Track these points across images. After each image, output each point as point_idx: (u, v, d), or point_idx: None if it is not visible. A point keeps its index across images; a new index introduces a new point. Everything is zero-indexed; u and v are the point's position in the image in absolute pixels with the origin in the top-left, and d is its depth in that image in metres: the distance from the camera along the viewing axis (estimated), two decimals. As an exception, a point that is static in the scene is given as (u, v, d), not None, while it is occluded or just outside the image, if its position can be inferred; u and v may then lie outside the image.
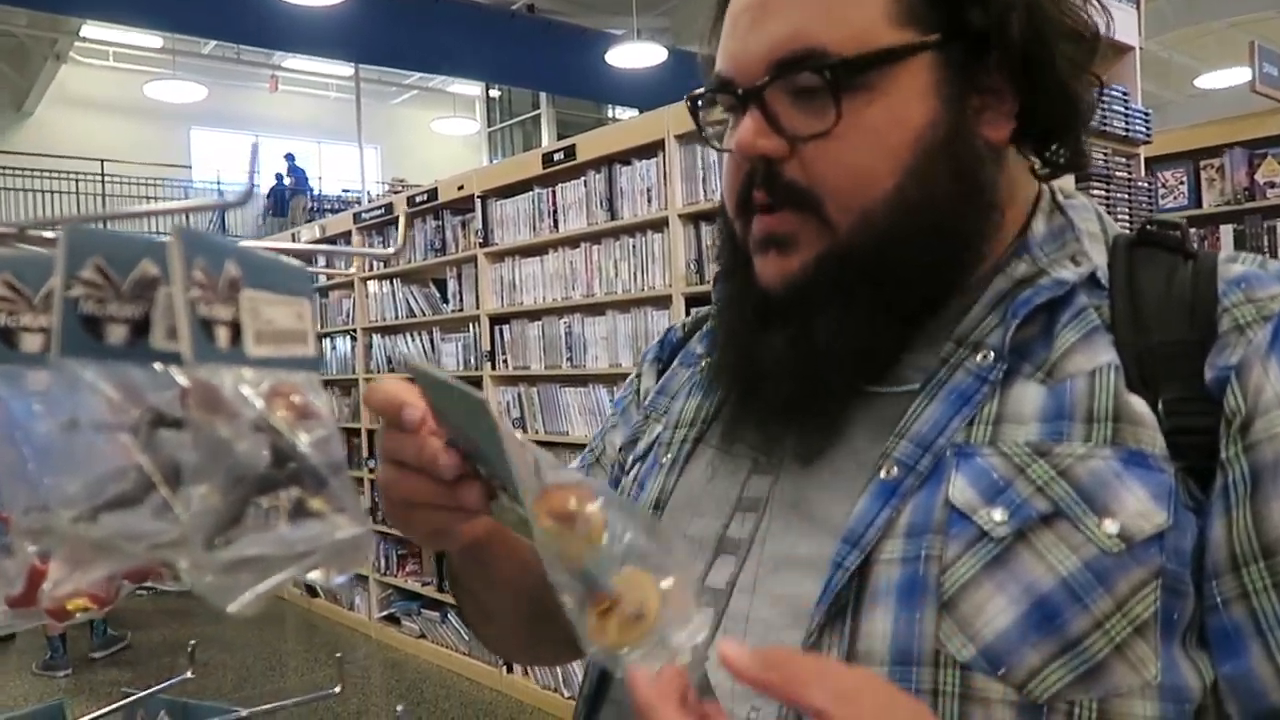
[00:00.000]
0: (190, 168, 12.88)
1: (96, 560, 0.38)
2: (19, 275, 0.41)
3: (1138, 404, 0.53)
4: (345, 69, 12.19)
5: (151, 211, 0.45)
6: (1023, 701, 0.50)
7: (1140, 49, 2.73)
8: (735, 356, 0.66)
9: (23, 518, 0.39)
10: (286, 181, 12.28)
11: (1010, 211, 0.64)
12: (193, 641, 0.74)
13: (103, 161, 11.60)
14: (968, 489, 0.53)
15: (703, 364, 0.74)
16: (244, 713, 0.61)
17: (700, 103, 0.67)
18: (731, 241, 0.66)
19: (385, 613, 5.17)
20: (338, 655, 0.53)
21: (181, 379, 0.40)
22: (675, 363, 0.81)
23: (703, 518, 0.65)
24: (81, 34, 10.90)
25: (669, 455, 0.71)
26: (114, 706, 0.60)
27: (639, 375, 0.87)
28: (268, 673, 4.57)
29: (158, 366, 0.40)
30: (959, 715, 0.50)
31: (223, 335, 0.40)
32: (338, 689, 0.61)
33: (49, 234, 0.42)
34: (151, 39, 11.11)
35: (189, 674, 0.67)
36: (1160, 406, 0.53)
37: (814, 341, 0.60)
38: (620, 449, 0.81)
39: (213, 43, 11.43)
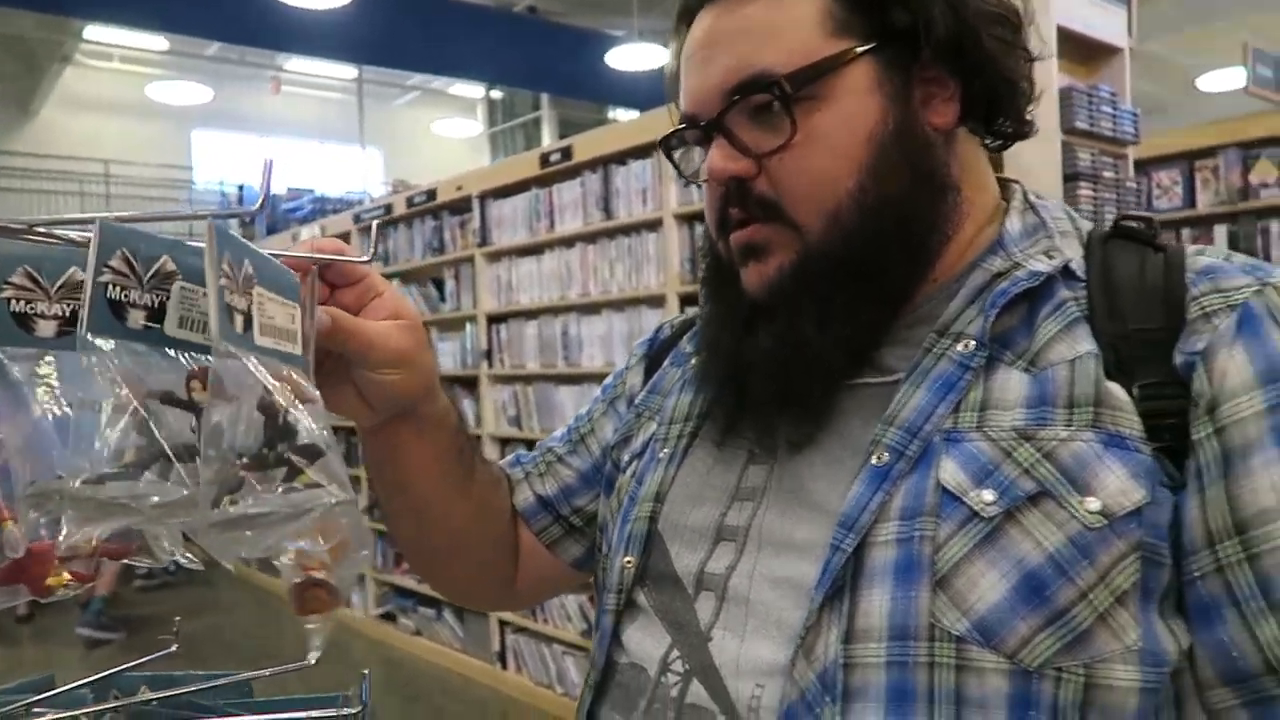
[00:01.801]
0: (191, 169, 12.93)
1: (103, 519, 0.41)
2: (36, 268, 0.45)
3: (1116, 389, 0.57)
4: (348, 70, 12.23)
5: (169, 217, 0.52)
6: (1014, 669, 0.53)
7: (1130, 50, 2.75)
8: (724, 363, 0.70)
9: (28, 488, 0.42)
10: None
11: (979, 197, 0.69)
12: (177, 617, 0.76)
13: (107, 163, 11.66)
14: (958, 472, 0.57)
15: (693, 362, 0.78)
16: (222, 681, 0.64)
17: (673, 144, 0.73)
18: (717, 261, 0.72)
19: (382, 610, 5.20)
20: (365, 673, 0.55)
21: (192, 362, 0.45)
22: (666, 362, 0.85)
23: (702, 507, 0.69)
24: (85, 36, 10.95)
25: (666, 450, 0.74)
26: (96, 677, 0.63)
27: (627, 369, 0.90)
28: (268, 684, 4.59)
29: (170, 351, 0.45)
30: (955, 684, 0.54)
31: (240, 322, 0.46)
32: (313, 659, 0.63)
33: (71, 232, 0.47)
34: (156, 41, 11.15)
35: (174, 648, 0.69)
36: (1136, 391, 0.57)
37: (798, 335, 0.64)
38: (613, 446, 0.84)
39: (216, 44, 11.47)
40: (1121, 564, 0.54)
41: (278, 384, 0.46)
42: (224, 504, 0.42)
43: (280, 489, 0.44)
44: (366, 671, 0.61)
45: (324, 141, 13.13)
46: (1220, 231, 4.30)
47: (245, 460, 0.43)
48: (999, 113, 0.68)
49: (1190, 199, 4.38)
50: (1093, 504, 0.54)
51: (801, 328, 0.64)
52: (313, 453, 0.46)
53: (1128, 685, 0.53)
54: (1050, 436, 0.56)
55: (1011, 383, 0.60)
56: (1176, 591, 0.56)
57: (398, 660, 4.77)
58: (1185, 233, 4.42)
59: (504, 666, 4.23)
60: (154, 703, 0.60)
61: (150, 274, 0.46)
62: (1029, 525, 0.55)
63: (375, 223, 0.72)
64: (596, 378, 3.75)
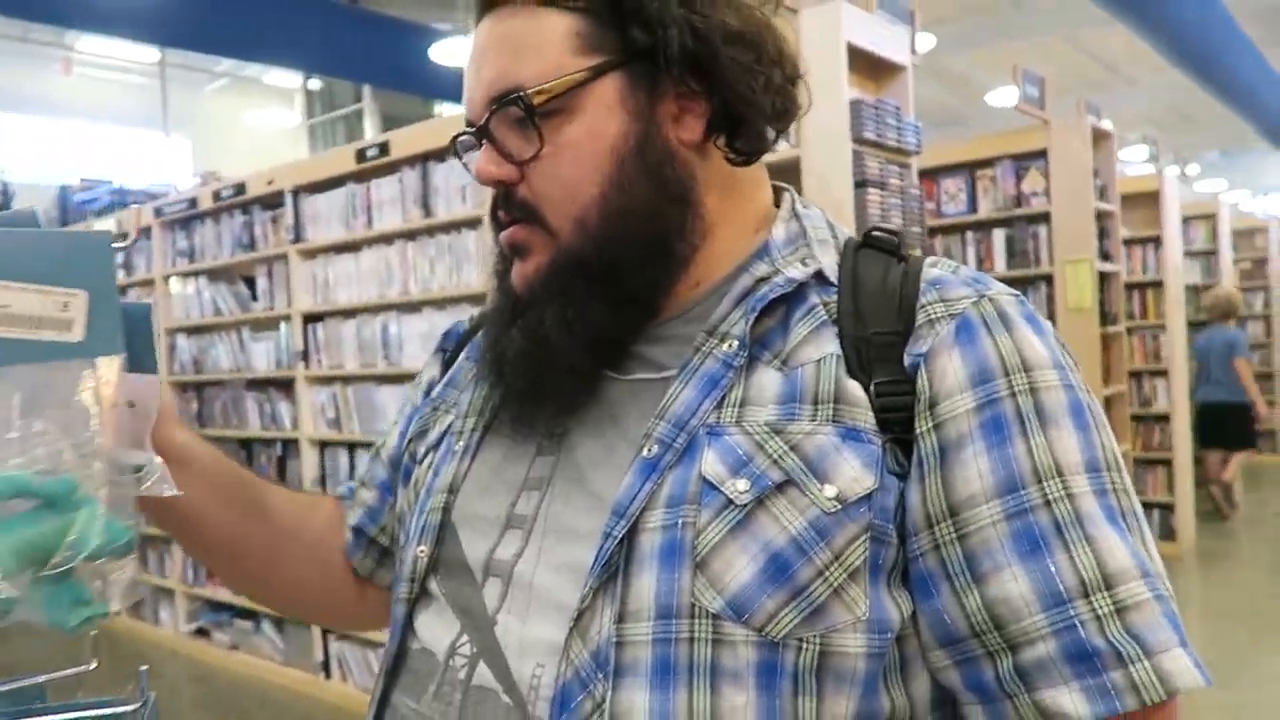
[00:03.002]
0: (-32, 154, 11.74)
1: None
2: None
3: (854, 387, 0.63)
4: (150, 53, 11.43)
5: None
6: (761, 641, 0.59)
7: (914, 66, 2.99)
8: (489, 351, 0.75)
9: None
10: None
11: (739, 206, 0.73)
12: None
13: None
14: (717, 464, 0.62)
15: (489, 357, 0.80)
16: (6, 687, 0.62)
17: (462, 146, 0.76)
18: (500, 256, 0.75)
19: (194, 625, 4.93)
20: (143, 669, 0.54)
21: None
22: (462, 356, 0.87)
23: (493, 497, 0.72)
24: None
25: (461, 443, 0.77)
26: None
27: (423, 368, 0.92)
28: (59, 693, 4.27)
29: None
30: (711, 657, 0.59)
31: None
32: (93, 664, 0.63)
33: None
34: (-81, 11, 10.06)
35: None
36: (872, 388, 0.63)
37: (543, 331, 0.68)
38: (410, 440, 0.85)
39: (-5, 18, 10.46)
40: (853, 544, 0.59)
41: None
42: None
43: None
44: (144, 667, 0.61)
45: (124, 127, 12.20)
46: (999, 235, 4.73)
47: None
48: (739, 131, 0.71)
49: (973, 205, 4.79)
50: (830, 490, 0.60)
51: (546, 324, 0.68)
52: None
53: (856, 651, 0.59)
54: (797, 430, 0.62)
55: (767, 381, 0.65)
56: (902, 567, 0.62)
57: (213, 677, 4.54)
58: (969, 235, 4.83)
59: (328, 676, 4.11)
60: None
61: None
62: (776, 511, 0.60)
63: (139, 210, 0.72)
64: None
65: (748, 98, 0.69)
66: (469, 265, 3.49)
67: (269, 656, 4.44)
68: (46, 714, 0.65)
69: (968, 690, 0.61)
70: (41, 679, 0.67)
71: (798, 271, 0.69)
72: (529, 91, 0.67)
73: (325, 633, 4.08)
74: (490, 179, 0.70)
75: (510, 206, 0.70)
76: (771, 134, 0.73)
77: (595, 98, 0.67)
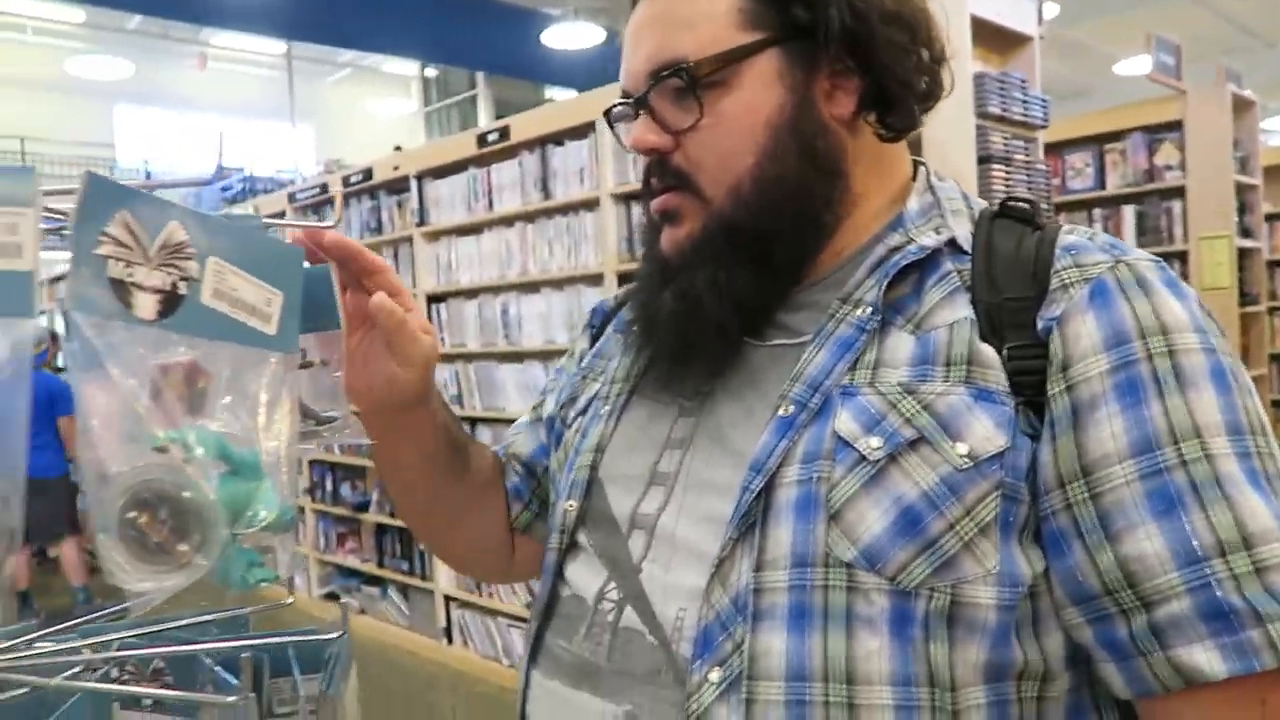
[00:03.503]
0: (114, 146, 12.52)
1: None
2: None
3: (987, 351, 0.65)
4: (277, 46, 11.96)
5: (156, 185, 0.54)
6: (893, 590, 0.62)
7: (1041, 38, 2.90)
8: (639, 314, 0.80)
9: None
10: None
11: (880, 180, 0.77)
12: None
13: (22, 140, 11.24)
14: (851, 422, 0.65)
15: (634, 328, 0.85)
16: (214, 616, 0.71)
17: (615, 117, 0.81)
18: (649, 224, 0.80)
19: (325, 590, 5.21)
20: (345, 601, 0.61)
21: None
22: (609, 329, 0.93)
23: (637, 456, 0.77)
24: (-3, 7, 10.52)
25: (607, 407, 0.83)
26: (87, 619, 0.69)
27: (574, 341, 0.99)
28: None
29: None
30: (845, 603, 0.63)
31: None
32: (289, 600, 0.72)
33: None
34: (73, 13, 10.76)
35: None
36: (1005, 352, 0.65)
37: (695, 292, 0.73)
38: (561, 406, 0.92)
39: (138, 18, 11.11)
40: (984, 500, 0.62)
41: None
42: None
43: None
44: (345, 601, 0.69)
45: (253, 119, 12.79)
46: (1128, 211, 4.53)
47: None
48: (891, 108, 0.75)
49: (1100, 180, 4.60)
50: (962, 448, 0.62)
51: (698, 286, 0.72)
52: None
53: (987, 603, 0.61)
54: (929, 390, 0.64)
55: (900, 344, 0.68)
56: (1034, 525, 0.64)
57: (342, 638, 4.79)
58: (1096, 212, 4.64)
59: (450, 641, 4.29)
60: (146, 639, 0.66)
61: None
62: (908, 467, 0.63)
63: (339, 192, 0.81)
64: (536, 356, 3.82)
65: (901, 77, 0.73)
66: (586, 246, 3.57)
67: (394, 621, 4.67)
68: (261, 638, 0.72)
69: (1100, 647, 0.63)
70: (247, 610, 0.76)
71: (930, 239, 0.71)
72: (692, 63, 0.70)
73: (448, 599, 4.26)
74: (647, 147, 0.74)
75: (664, 174, 0.75)
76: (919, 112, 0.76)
77: (755, 71, 0.71)
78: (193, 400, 0.48)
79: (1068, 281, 0.66)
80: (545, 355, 3.78)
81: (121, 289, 0.46)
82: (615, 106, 0.79)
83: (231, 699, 0.56)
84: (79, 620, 0.70)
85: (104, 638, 0.67)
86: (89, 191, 0.44)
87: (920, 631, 0.61)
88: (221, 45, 12.33)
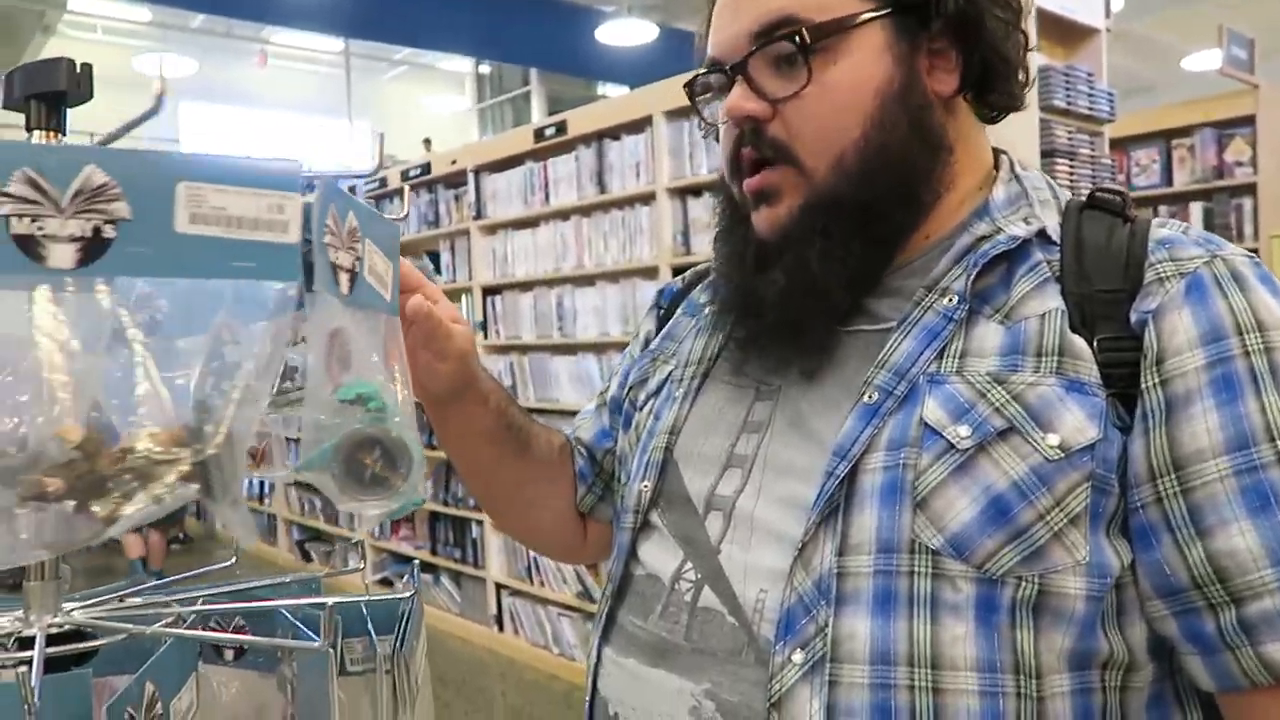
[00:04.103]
0: (178, 142, 12.84)
1: None
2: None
3: (1079, 342, 0.65)
4: (335, 43, 12.16)
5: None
6: (980, 577, 0.62)
7: (1108, 31, 2.85)
8: (738, 298, 0.78)
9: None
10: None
11: (972, 162, 0.76)
12: (236, 541, 0.86)
13: (91, 135, 11.57)
14: (938, 410, 0.65)
15: (707, 310, 0.86)
16: (289, 579, 0.73)
17: (697, 91, 0.79)
18: (730, 203, 0.78)
19: (379, 575, 5.30)
20: (414, 561, 0.65)
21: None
22: (679, 311, 0.93)
23: (713, 438, 0.77)
24: (68, 6, 10.84)
25: (681, 389, 0.82)
26: (166, 580, 0.72)
27: (640, 324, 1.00)
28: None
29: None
30: (931, 590, 0.62)
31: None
32: (362, 565, 0.74)
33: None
34: (139, 11, 11.04)
35: (234, 560, 0.79)
36: (1096, 344, 0.64)
37: (809, 271, 0.71)
38: (629, 388, 0.92)
39: (201, 16, 11.38)
40: (1075, 491, 0.61)
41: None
42: None
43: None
44: (415, 560, 0.70)
45: (310, 115, 13.03)
46: (1196, 209, 4.42)
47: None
48: (994, 87, 0.74)
49: (1168, 177, 4.49)
50: (1053, 439, 0.61)
51: (809, 263, 0.71)
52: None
53: (1076, 593, 0.61)
54: (1019, 381, 0.64)
55: (989, 334, 0.67)
56: (1122, 517, 0.63)
57: (395, 624, 4.87)
58: (1162, 209, 4.53)
59: (501, 629, 4.35)
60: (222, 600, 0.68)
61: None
62: (998, 457, 0.62)
63: (408, 185, 0.83)
64: (590, 348, 3.84)
65: (1007, 56, 0.73)
66: (641, 240, 3.59)
67: (445, 607, 4.73)
68: (332, 598, 0.74)
69: (1186, 640, 0.62)
70: (322, 574, 0.79)
71: (1020, 229, 0.70)
72: (807, 26, 0.69)
73: (500, 587, 4.31)
74: (743, 114, 0.71)
75: (760, 144, 0.72)
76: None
77: (865, 40, 0.70)
78: (345, 360, 0.54)
79: (1163, 275, 0.65)
80: (599, 348, 3.81)
81: (333, 271, 0.53)
82: (702, 76, 0.77)
83: (316, 643, 0.58)
84: (167, 580, 0.73)
85: (191, 593, 0.69)
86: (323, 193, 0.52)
87: (1006, 619, 0.61)
88: (282, 43, 12.57)
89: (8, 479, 0.43)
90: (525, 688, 3.98)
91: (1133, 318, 0.65)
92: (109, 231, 0.45)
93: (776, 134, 0.71)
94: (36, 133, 0.59)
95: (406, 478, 0.53)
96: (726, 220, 0.80)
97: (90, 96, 0.61)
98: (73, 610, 0.58)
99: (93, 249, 0.44)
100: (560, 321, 3.97)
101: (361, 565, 0.84)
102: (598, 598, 0.85)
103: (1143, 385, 0.63)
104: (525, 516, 0.99)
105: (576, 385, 3.88)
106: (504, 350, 4.30)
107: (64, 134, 0.60)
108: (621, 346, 1.01)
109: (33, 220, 0.44)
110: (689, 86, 0.80)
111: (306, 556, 5.98)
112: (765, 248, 0.74)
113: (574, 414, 1.04)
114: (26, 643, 0.54)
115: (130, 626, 0.57)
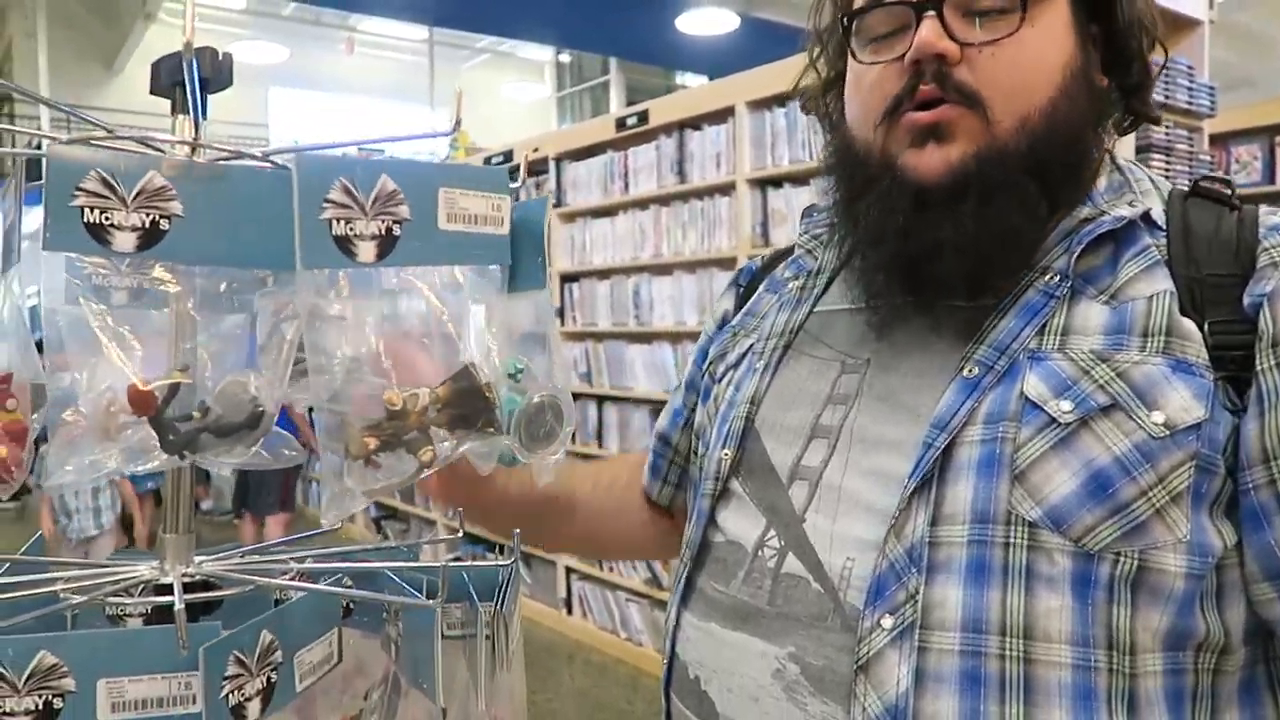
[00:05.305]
0: (268, 126, 13.23)
1: None
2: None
3: (1187, 324, 0.65)
4: (419, 31, 12.38)
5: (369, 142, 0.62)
6: (1078, 551, 0.62)
7: (1211, 22, 2.75)
8: (897, 245, 0.72)
9: None
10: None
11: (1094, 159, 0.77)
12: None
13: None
14: (1040, 385, 0.66)
15: (790, 286, 0.88)
16: (386, 545, 0.77)
17: (856, 18, 0.74)
18: (854, 158, 0.75)
19: (452, 555, 5.41)
20: (516, 531, 0.71)
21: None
22: (760, 289, 0.94)
23: (798, 410, 0.78)
24: (169, -5, 11.25)
25: (762, 361, 0.83)
26: (280, 540, 0.76)
27: (717, 303, 1.01)
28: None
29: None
30: (1026, 561, 0.63)
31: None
32: (460, 534, 0.78)
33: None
34: (233, 0, 11.40)
35: (340, 526, 0.83)
36: (1206, 327, 0.65)
37: (996, 219, 0.69)
38: (709, 363, 0.94)
39: (292, 4, 11.70)
40: (1179, 470, 0.61)
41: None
42: None
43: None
44: (518, 531, 0.73)
45: (394, 101, 13.29)
46: (1299, 208, 4.23)
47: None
48: (1137, 94, 0.77)
49: (1270, 174, 4.31)
50: (1158, 417, 0.62)
51: (998, 213, 0.68)
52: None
53: (1175, 570, 0.61)
54: (1124, 359, 0.64)
55: (1092, 313, 0.68)
56: (1226, 498, 0.63)
57: (466, 602, 4.98)
58: (1264, 208, 4.34)
59: (570, 612, 4.42)
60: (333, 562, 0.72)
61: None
62: (1100, 432, 0.63)
63: (527, 153, 0.86)
64: (666, 337, 3.87)
65: (1149, 68, 0.76)
66: (720, 230, 3.59)
67: (516, 589, 4.82)
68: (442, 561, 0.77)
69: None
70: (423, 542, 0.82)
71: (1125, 211, 0.71)
72: None
73: (569, 570, 4.38)
74: (933, 51, 0.68)
75: (945, 86, 0.69)
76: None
77: (1055, 12, 0.71)
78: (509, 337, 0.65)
79: (1277, 260, 0.66)
80: (675, 337, 3.83)
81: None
82: (884, 5, 0.72)
83: (429, 601, 0.62)
84: (280, 540, 0.77)
85: (305, 551, 0.73)
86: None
87: (1103, 594, 0.62)
88: (368, 31, 12.85)
89: (349, 438, 0.55)
90: (592, 670, 4.03)
91: (1246, 301, 0.65)
92: (396, 230, 0.55)
93: (966, 79, 0.69)
94: (180, 117, 0.62)
95: (563, 432, 0.66)
96: (857, 185, 0.75)
97: (230, 83, 0.65)
98: (203, 562, 0.63)
99: (385, 245, 0.54)
100: (636, 310, 4.00)
101: (460, 534, 0.87)
102: (667, 583, 0.86)
103: (1258, 367, 0.63)
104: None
105: (651, 373, 3.91)
106: (580, 337, 4.35)
107: (205, 119, 0.63)
108: (697, 336, 1.02)
109: (346, 223, 0.53)
110: (851, 14, 0.75)
111: (383, 534, 6.15)
112: (925, 191, 0.70)
113: (647, 402, 1.07)
114: (159, 591, 0.58)
115: (257, 579, 0.61)
